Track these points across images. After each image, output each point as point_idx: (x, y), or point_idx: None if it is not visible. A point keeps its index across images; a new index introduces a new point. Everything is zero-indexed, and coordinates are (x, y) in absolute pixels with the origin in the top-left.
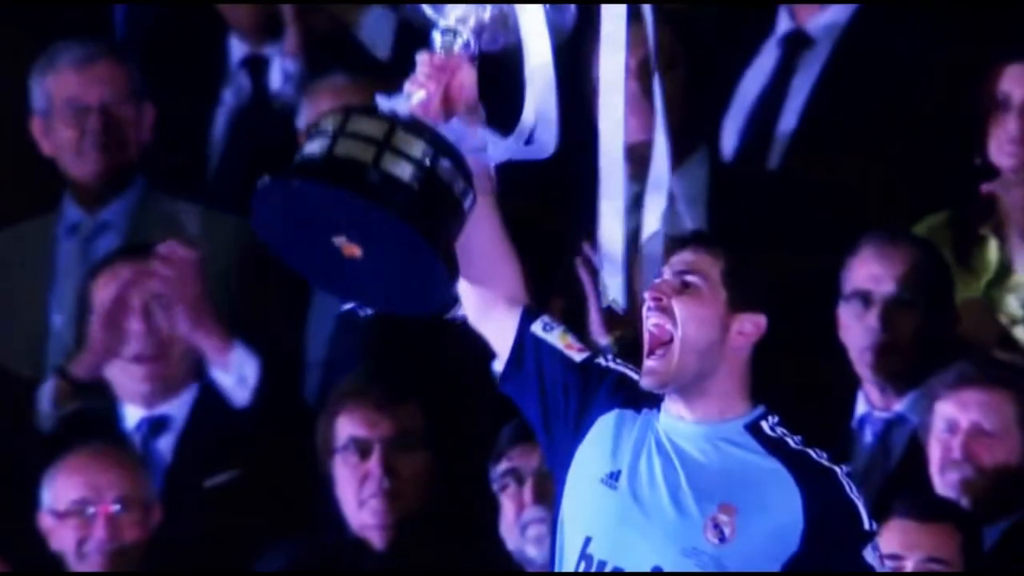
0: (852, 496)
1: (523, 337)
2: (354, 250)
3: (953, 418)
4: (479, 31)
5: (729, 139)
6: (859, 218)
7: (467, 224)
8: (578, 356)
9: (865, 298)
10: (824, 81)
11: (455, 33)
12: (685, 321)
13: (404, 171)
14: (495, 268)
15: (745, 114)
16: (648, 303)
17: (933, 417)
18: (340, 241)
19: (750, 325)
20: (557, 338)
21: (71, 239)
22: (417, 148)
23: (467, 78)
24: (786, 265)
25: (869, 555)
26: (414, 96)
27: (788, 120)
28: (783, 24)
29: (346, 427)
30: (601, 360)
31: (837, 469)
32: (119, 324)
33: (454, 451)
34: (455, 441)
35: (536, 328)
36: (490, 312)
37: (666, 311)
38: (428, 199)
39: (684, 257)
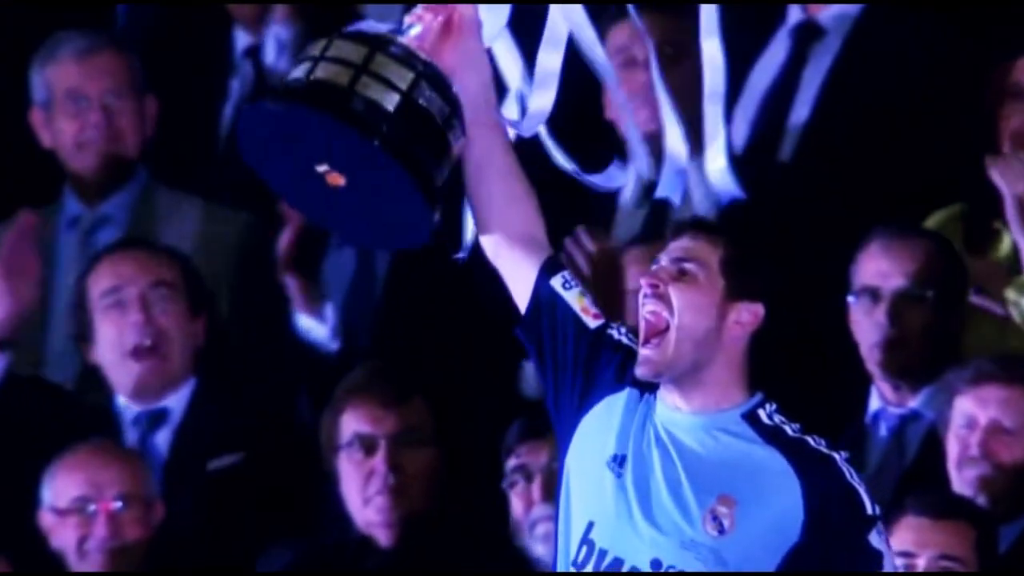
0: (852, 482)
1: (540, 289)
2: (337, 179)
3: (972, 414)
4: None
5: (740, 131)
6: (871, 210)
7: (480, 155)
8: (593, 322)
9: (874, 294)
10: (836, 72)
11: None
12: (682, 309)
13: (380, 94)
14: (511, 203)
15: (756, 105)
16: (645, 290)
17: (952, 412)
18: (323, 169)
19: (748, 314)
20: (574, 299)
21: (71, 232)
22: (396, 73)
23: (469, 18)
24: (798, 257)
25: (874, 539)
26: (412, 29)
27: (800, 111)
28: (794, 15)
29: (351, 423)
30: (614, 332)
31: (836, 456)
32: (23, 271)
33: (461, 447)
34: (462, 437)
35: (555, 283)
36: (507, 249)
37: (663, 298)
38: (405, 124)
39: (682, 244)
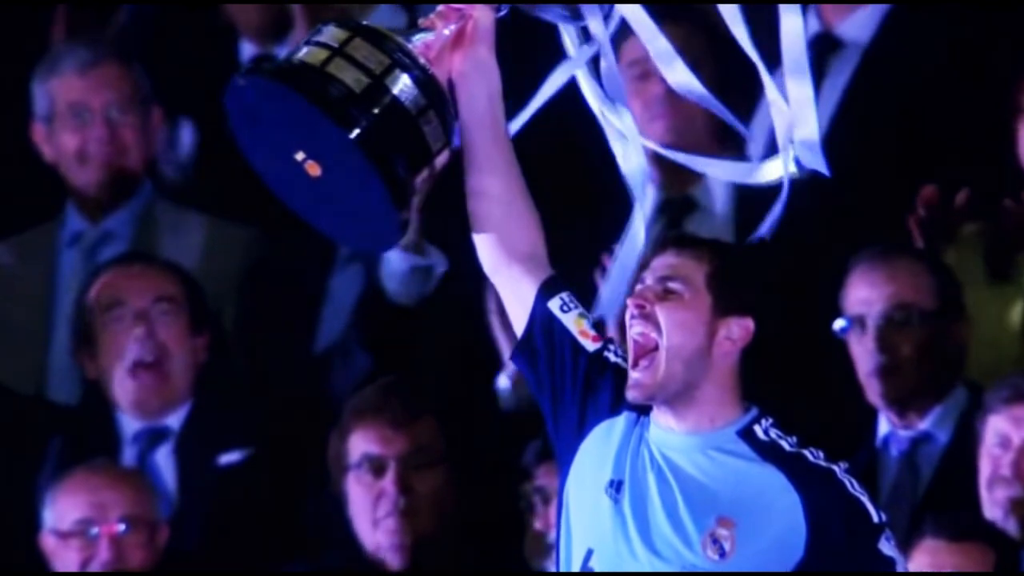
0: (855, 492)
1: (537, 312)
2: (315, 168)
3: (1005, 434)
4: None
5: (757, 144)
6: (890, 226)
7: (481, 167)
8: (591, 345)
9: (861, 322)
10: (855, 85)
11: None
12: (670, 329)
13: (348, 75)
14: (511, 218)
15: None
16: (631, 311)
17: (984, 431)
18: (301, 158)
19: (738, 329)
20: (572, 322)
21: (73, 249)
22: (371, 57)
23: (483, 28)
24: (810, 276)
25: (885, 547)
26: (420, 35)
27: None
28: (811, 27)
29: (360, 444)
30: (611, 355)
31: (835, 468)
32: None
33: (473, 469)
34: (474, 458)
35: (553, 305)
36: (505, 267)
37: (649, 319)
38: (370, 107)
39: (666, 261)
